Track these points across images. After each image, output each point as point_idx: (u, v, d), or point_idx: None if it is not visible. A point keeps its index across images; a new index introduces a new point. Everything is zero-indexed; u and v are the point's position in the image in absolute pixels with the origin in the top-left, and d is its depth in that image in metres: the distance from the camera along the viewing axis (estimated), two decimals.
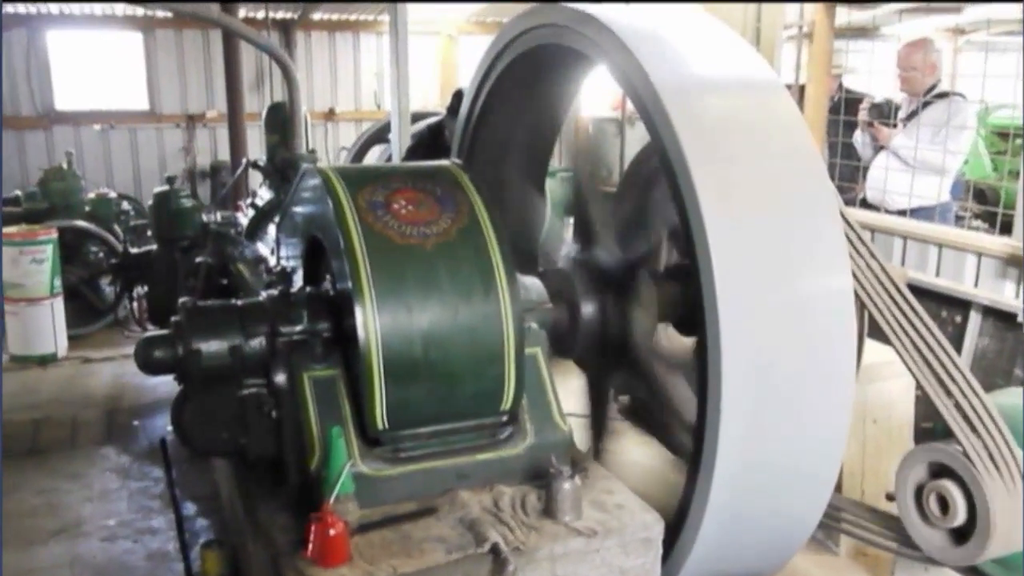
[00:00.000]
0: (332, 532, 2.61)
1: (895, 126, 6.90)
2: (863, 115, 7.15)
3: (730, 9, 6.73)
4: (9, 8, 11.66)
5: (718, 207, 2.71)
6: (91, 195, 8.41)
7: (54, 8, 12.01)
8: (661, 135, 2.83)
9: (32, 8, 11.88)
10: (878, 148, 6.96)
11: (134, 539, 4.43)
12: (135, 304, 7.37)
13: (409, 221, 3.02)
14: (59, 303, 7.03)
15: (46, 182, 8.03)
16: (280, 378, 3.08)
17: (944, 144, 6.36)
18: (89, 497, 4.92)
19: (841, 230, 2.90)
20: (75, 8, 12.10)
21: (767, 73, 3.20)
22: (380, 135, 8.72)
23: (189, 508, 4.75)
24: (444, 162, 3.46)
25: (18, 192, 8.97)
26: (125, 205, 9.22)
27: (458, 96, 5.51)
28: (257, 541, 3.13)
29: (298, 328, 3.15)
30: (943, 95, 6.76)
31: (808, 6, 6.73)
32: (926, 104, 6.65)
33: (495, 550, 2.69)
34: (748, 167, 2.83)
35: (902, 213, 6.48)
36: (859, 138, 7.23)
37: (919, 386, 3.32)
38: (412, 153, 6.14)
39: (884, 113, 7.19)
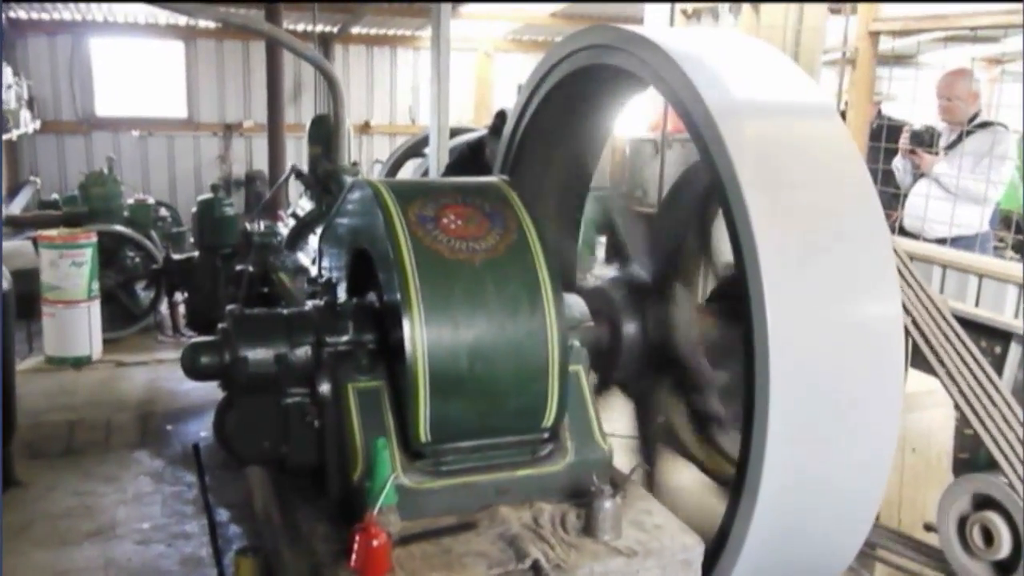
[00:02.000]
0: (375, 543, 2.62)
1: (937, 153, 6.87)
2: (904, 142, 7.12)
3: (769, 32, 6.75)
4: (56, 15, 11.84)
5: (770, 231, 2.70)
6: (130, 201, 8.50)
7: (98, 15, 12.18)
8: (714, 157, 2.83)
9: (77, 15, 12.06)
10: (918, 175, 6.93)
11: (168, 543, 4.45)
12: (171, 310, 7.44)
13: (458, 236, 3.03)
14: (96, 307, 7.09)
15: (87, 187, 8.12)
16: (324, 388, 3.10)
17: (987, 173, 6.32)
18: (123, 500, 4.95)
19: (892, 257, 2.89)
20: (119, 16, 12.26)
21: (820, 97, 3.20)
22: (416, 149, 8.76)
23: (222, 514, 4.77)
24: (493, 178, 3.48)
25: (56, 196, 9.09)
26: (162, 211, 9.32)
27: (501, 116, 5.53)
28: (295, 550, 3.15)
29: (344, 339, 3.17)
30: (985, 124, 6.73)
31: (852, 32, 6.70)
32: (968, 133, 6.61)
33: (536, 567, 2.69)
34: (801, 191, 2.83)
35: (941, 241, 6.43)
36: (899, 164, 7.19)
37: (960, 416, 3.30)
38: (452, 170, 6.17)
39: (924, 141, 7.14)
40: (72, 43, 12.39)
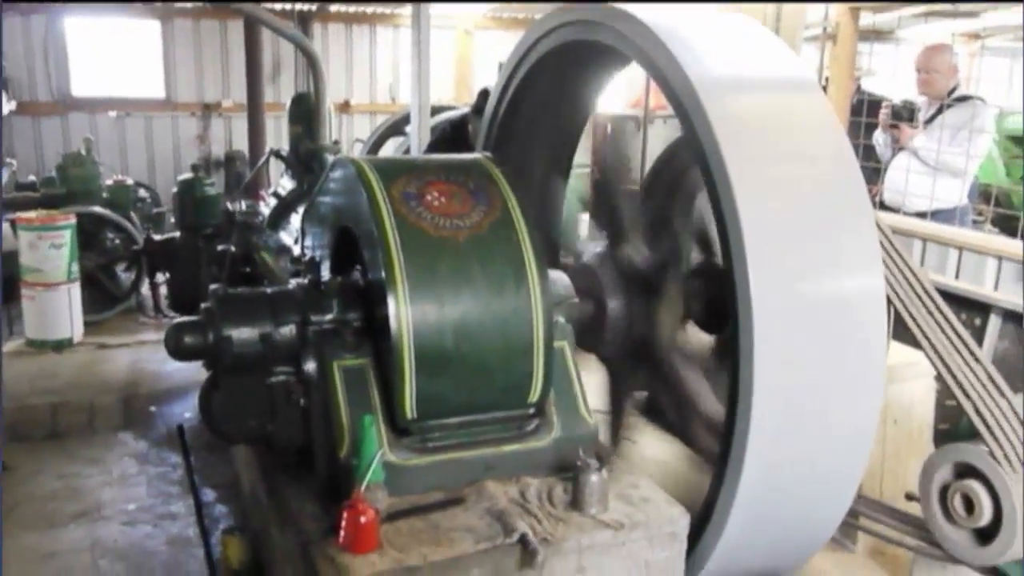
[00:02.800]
0: (363, 520, 2.64)
1: (916, 127, 6.90)
2: (884, 116, 7.15)
3: (750, 9, 6.73)
4: None
5: (754, 204, 2.72)
6: (109, 182, 8.42)
7: None
8: (697, 131, 2.84)
9: None
10: (898, 149, 6.96)
11: (154, 524, 4.45)
12: (152, 291, 7.38)
13: (442, 213, 3.03)
14: (76, 289, 7.02)
15: (64, 168, 8.02)
16: (310, 366, 3.11)
17: (965, 146, 6.36)
18: (108, 482, 4.94)
19: (875, 231, 2.91)
20: None
21: (803, 71, 3.21)
22: (397, 128, 8.72)
23: (208, 495, 4.77)
24: (477, 155, 3.47)
25: (33, 177, 8.99)
26: (142, 192, 9.23)
27: (484, 95, 5.52)
28: (283, 528, 3.16)
29: (328, 317, 3.17)
30: (963, 98, 6.77)
31: (832, 7, 6.71)
32: (947, 107, 6.65)
33: (523, 540, 2.71)
34: (785, 165, 2.85)
35: (921, 215, 6.48)
36: (879, 139, 7.23)
37: (940, 387, 3.34)
38: (433, 149, 6.15)
39: (903, 117, 7.18)
40: (46, 22, 12.21)
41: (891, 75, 7.25)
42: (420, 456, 3.02)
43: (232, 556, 3.86)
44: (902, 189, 6.72)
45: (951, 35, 10.78)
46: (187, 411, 5.80)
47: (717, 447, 2.99)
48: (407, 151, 7.13)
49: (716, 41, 3.14)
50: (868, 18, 7.51)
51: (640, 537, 2.89)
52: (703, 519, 3.00)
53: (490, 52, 12.78)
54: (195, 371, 3.54)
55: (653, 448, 3.88)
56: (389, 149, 8.96)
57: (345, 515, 2.66)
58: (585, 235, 4.91)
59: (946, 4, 7.20)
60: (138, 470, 5.13)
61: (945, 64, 6.76)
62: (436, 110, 7.32)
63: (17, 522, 4.43)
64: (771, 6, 6.44)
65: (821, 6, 6.80)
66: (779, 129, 2.93)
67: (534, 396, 3.09)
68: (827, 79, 7.61)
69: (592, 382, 3.88)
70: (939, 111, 6.71)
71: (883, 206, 6.95)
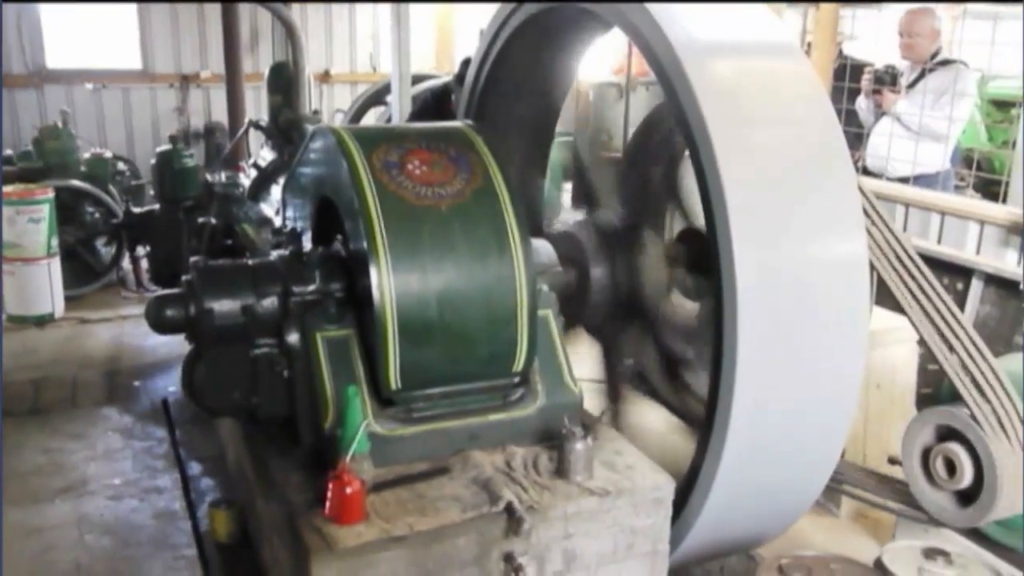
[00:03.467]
0: (349, 490, 2.64)
1: (899, 91, 6.89)
2: (867, 82, 7.14)
3: None
4: None
5: (737, 169, 2.71)
6: (87, 155, 8.32)
7: None
8: (680, 96, 2.82)
9: None
10: (880, 115, 6.95)
11: (140, 498, 4.43)
12: (134, 264, 7.33)
13: (424, 182, 3.01)
14: (56, 263, 6.95)
15: (41, 141, 7.91)
16: (293, 338, 3.09)
17: (948, 111, 6.36)
18: (93, 457, 4.91)
19: (858, 196, 2.91)
20: None
21: (785, 36, 3.19)
22: (378, 97, 8.65)
23: (194, 468, 4.75)
24: (457, 123, 3.45)
25: (10, 151, 8.88)
26: (120, 165, 9.14)
27: (466, 64, 5.47)
28: (270, 500, 3.16)
29: (311, 288, 3.16)
30: (946, 62, 6.76)
31: None
32: (929, 71, 6.64)
33: (509, 509, 2.73)
34: (767, 130, 2.84)
35: (904, 180, 6.48)
36: (862, 104, 7.22)
37: (923, 352, 3.35)
38: (416, 118, 6.11)
39: (885, 80, 7.16)
40: None
41: (874, 39, 7.23)
42: (405, 426, 3.02)
43: (219, 529, 3.87)
44: (884, 154, 6.73)
45: None
46: (171, 385, 5.77)
47: (702, 414, 3.00)
48: (388, 121, 7.08)
49: (697, 6, 3.11)
50: None
51: (625, 504, 2.91)
52: (688, 485, 3.02)
53: (472, 20, 12.66)
54: (179, 344, 3.51)
55: (639, 415, 3.90)
56: (371, 119, 8.90)
57: (331, 486, 2.66)
58: (569, 203, 4.89)
59: None
60: (123, 444, 5.10)
61: (928, 28, 6.74)
62: (417, 79, 7.27)
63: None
64: None
65: None
66: (761, 94, 2.92)
67: (518, 365, 3.09)
68: (809, 44, 7.58)
69: (581, 350, 3.90)
70: (921, 75, 6.70)
71: (866, 171, 6.96)
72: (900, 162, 6.58)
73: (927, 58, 6.73)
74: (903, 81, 6.94)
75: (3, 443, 4.93)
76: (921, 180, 6.46)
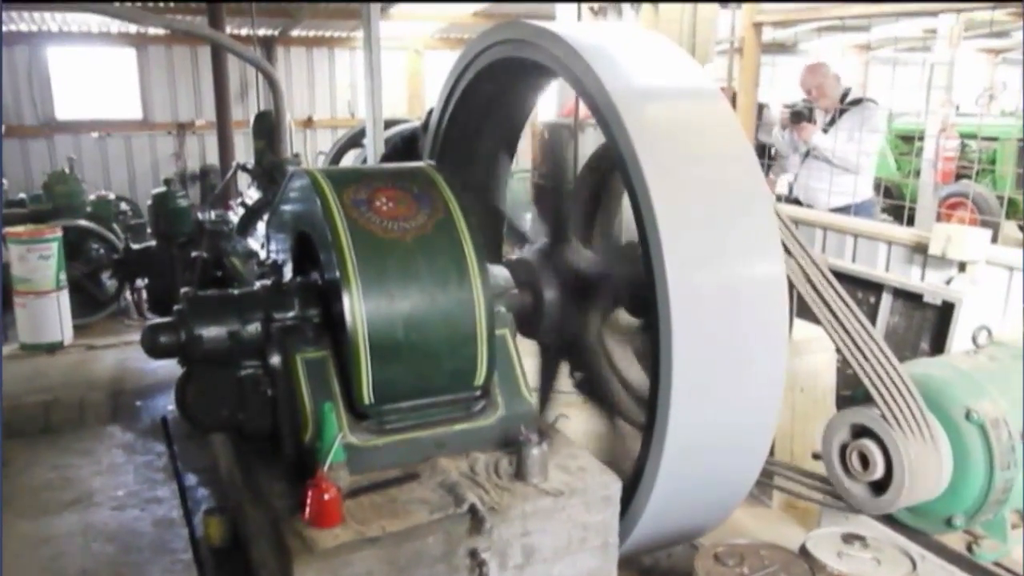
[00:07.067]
0: (326, 497, 2.61)
1: (815, 123, 6.93)
2: (783, 115, 7.20)
3: (668, 26, 6.76)
4: (12, 26, 11.37)
5: (668, 202, 2.73)
6: (91, 197, 8.24)
7: (54, 26, 11.74)
8: (616, 137, 2.84)
9: (34, 26, 11.61)
10: (804, 152, 6.97)
11: (141, 508, 4.35)
12: (134, 295, 7.25)
13: (390, 217, 3.01)
14: (64, 296, 6.85)
15: (50, 185, 7.84)
16: (275, 360, 3.06)
17: (861, 145, 6.43)
18: (98, 471, 4.82)
19: (775, 222, 2.94)
20: (73, 25, 11.84)
21: (708, 83, 3.22)
22: (355, 140, 8.64)
23: (191, 479, 4.68)
24: (420, 164, 3.45)
25: (23, 195, 8.77)
26: (123, 206, 9.05)
27: (431, 113, 5.48)
28: (257, 507, 3.11)
29: (290, 314, 3.13)
30: (857, 101, 6.85)
31: (739, 25, 6.76)
32: (843, 111, 6.73)
33: (473, 510, 2.71)
34: (694, 166, 2.86)
35: (841, 211, 6.46)
36: (778, 135, 7.29)
37: (841, 359, 3.38)
38: (387, 159, 6.11)
39: (804, 116, 7.22)
40: (30, 53, 11.91)
41: (783, 84, 7.36)
42: (378, 437, 3.00)
43: (213, 534, 3.81)
44: (816, 187, 6.77)
45: (843, 47, 10.97)
46: (170, 404, 5.68)
47: (643, 418, 3.00)
48: (364, 161, 7.07)
49: (632, 57, 3.14)
50: (770, 33, 7.58)
51: (578, 503, 2.90)
52: (633, 483, 3.01)
53: (440, 69, 12.68)
54: (177, 367, 3.47)
55: (587, 422, 3.89)
56: (350, 160, 8.89)
57: (310, 493, 2.63)
58: (528, 232, 4.89)
59: (837, 20, 7.32)
60: (126, 459, 5.01)
61: (827, 77, 6.82)
62: (390, 123, 7.27)
63: (13, 511, 4.31)
64: (686, 23, 6.47)
65: (729, 23, 6.87)
66: (688, 134, 2.95)
67: (479, 379, 3.08)
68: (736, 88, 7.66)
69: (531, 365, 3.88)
70: (834, 119, 6.78)
71: (797, 202, 7.00)
72: (835, 194, 6.58)
73: (838, 100, 6.81)
74: (819, 122, 6.99)
75: (16, 463, 4.84)
76: (854, 209, 6.48)
